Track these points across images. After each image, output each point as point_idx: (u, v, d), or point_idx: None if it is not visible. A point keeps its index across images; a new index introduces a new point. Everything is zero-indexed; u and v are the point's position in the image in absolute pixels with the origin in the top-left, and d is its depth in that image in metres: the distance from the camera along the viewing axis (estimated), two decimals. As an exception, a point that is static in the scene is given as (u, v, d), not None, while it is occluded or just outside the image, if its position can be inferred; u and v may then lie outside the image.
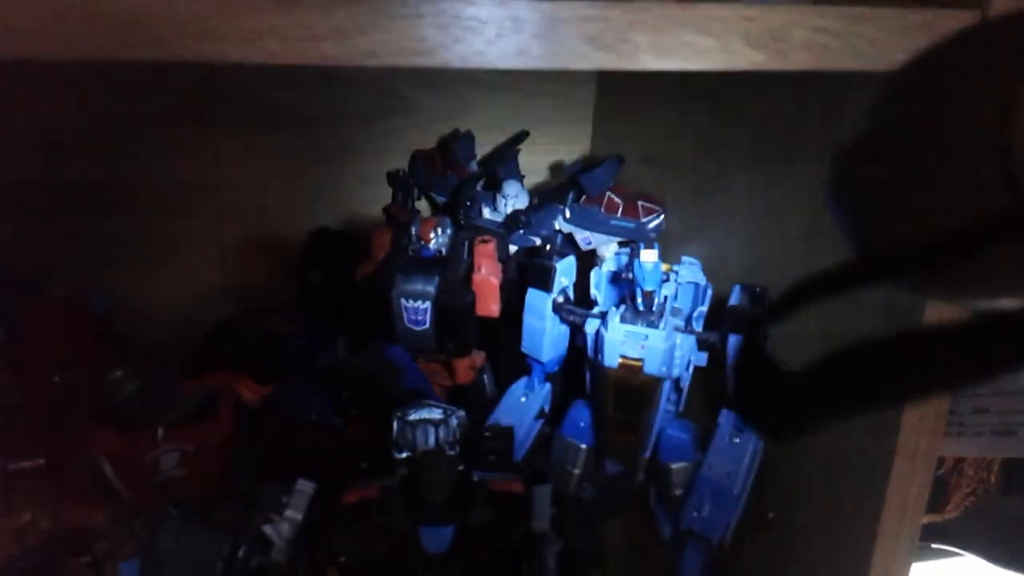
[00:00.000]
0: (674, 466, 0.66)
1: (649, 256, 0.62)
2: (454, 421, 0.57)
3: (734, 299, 0.63)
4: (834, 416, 0.24)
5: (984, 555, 1.13)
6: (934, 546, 1.18)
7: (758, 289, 0.62)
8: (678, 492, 0.66)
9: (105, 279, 0.83)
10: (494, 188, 0.90)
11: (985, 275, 0.22)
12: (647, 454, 0.67)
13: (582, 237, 0.86)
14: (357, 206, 0.97)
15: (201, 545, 0.52)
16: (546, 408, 0.71)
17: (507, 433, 0.61)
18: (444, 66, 0.42)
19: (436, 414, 0.57)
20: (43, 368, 0.54)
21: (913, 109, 0.25)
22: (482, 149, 0.97)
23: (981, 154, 0.22)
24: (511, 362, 0.74)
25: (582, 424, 0.68)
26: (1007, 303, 0.22)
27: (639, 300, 0.62)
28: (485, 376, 0.75)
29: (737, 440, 0.64)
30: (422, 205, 0.96)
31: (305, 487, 0.56)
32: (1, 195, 0.84)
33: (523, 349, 0.69)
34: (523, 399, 0.70)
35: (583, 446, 0.68)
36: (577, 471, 0.68)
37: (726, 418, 0.65)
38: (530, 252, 0.75)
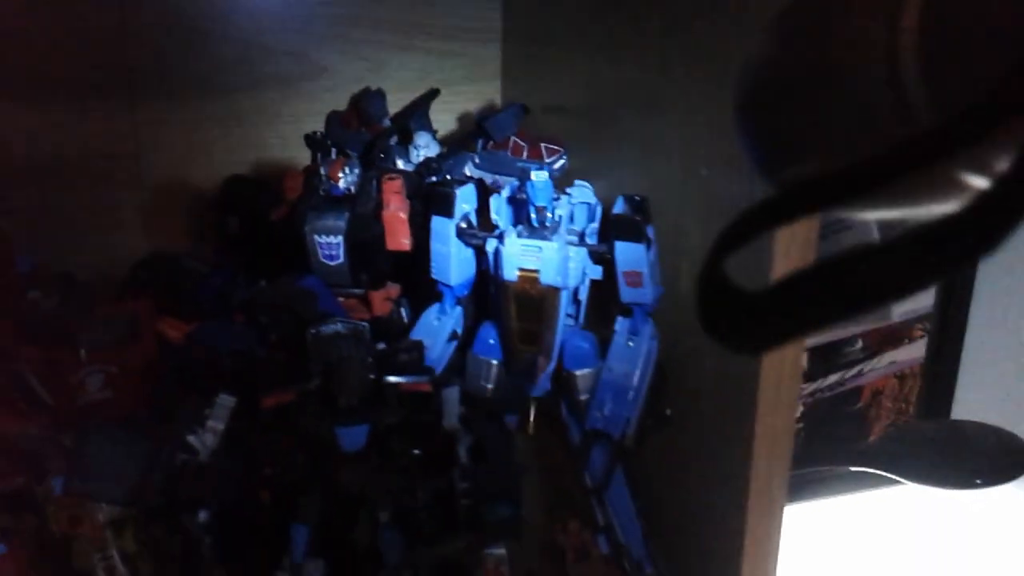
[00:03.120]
0: (578, 373, 0.71)
1: (539, 176, 0.67)
2: (365, 334, 0.62)
3: (617, 208, 0.68)
4: (794, 333, 0.25)
5: (902, 474, 1.20)
6: (854, 469, 1.26)
7: (637, 198, 0.67)
8: (583, 397, 0.71)
9: (28, 249, 0.86)
10: (407, 141, 0.95)
11: (900, 194, 0.23)
12: (552, 365, 0.71)
13: (491, 181, 0.91)
14: (278, 171, 1.00)
15: (127, 452, 0.55)
16: (458, 330, 0.75)
17: (417, 345, 0.65)
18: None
19: (347, 328, 0.62)
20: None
21: (804, 42, 0.25)
22: (396, 109, 1.01)
23: (873, 82, 0.23)
24: (427, 294, 0.79)
25: (491, 341, 0.72)
26: (933, 212, 0.23)
27: (533, 217, 0.67)
28: (402, 308, 0.79)
29: (631, 343, 0.69)
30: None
31: (226, 400, 0.60)
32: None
33: (433, 275, 0.73)
34: (436, 322, 0.74)
35: (494, 361, 0.72)
36: (490, 386, 0.72)
37: (621, 324, 0.70)
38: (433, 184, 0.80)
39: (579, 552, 0.73)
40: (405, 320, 0.79)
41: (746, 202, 0.57)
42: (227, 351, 0.67)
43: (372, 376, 0.61)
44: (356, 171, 0.76)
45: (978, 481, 1.15)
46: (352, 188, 0.76)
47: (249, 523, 0.63)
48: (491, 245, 0.69)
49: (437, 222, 0.71)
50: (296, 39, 0.99)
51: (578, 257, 0.68)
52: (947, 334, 1.36)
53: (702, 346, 0.68)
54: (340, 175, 0.75)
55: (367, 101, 0.97)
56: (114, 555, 0.59)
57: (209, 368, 0.65)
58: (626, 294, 0.68)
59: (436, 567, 0.62)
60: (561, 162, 0.85)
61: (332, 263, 0.74)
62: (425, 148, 0.92)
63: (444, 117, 1.06)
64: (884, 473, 1.16)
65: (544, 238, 0.67)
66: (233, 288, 0.72)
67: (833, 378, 1.33)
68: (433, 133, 0.96)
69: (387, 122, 0.98)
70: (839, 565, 1.32)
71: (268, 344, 0.68)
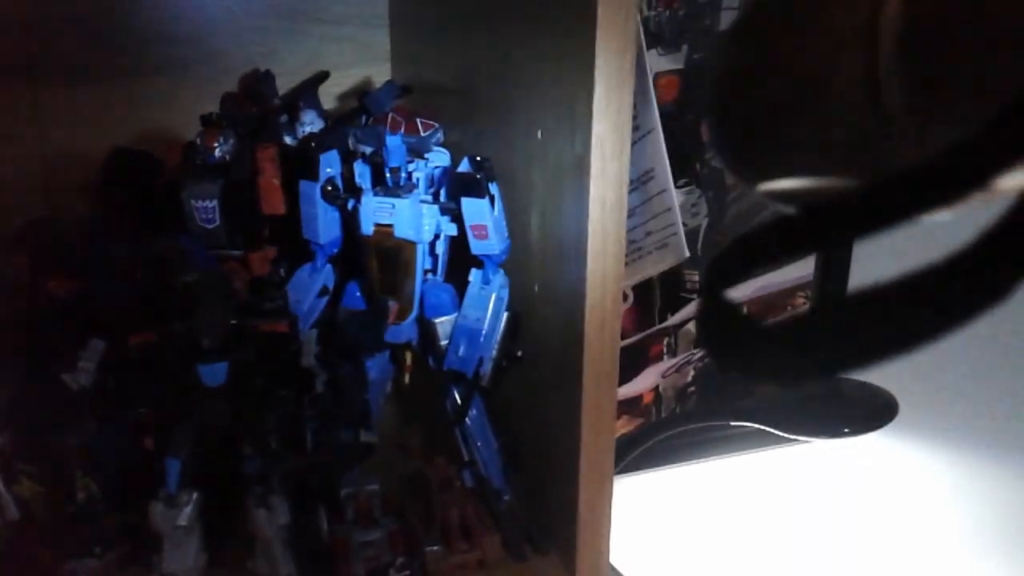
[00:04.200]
0: (437, 321, 0.78)
1: (393, 140, 0.74)
2: (226, 282, 0.68)
3: (462, 167, 0.75)
4: (818, 372, 0.26)
5: (779, 428, 1.29)
6: (734, 424, 1.34)
7: (479, 158, 0.74)
8: (443, 343, 0.78)
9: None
10: (295, 119, 1.01)
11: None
12: (415, 314, 0.78)
13: (364, 151, 0.97)
14: (176, 153, 1.06)
15: (2, 384, 0.61)
16: (328, 286, 0.81)
17: (283, 293, 0.72)
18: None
19: (208, 277, 0.68)
20: None
21: (775, 45, 0.25)
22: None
23: (849, 85, 0.22)
24: (305, 254, 0.85)
25: (358, 295, 0.79)
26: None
27: (388, 178, 0.74)
28: (280, 269, 0.85)
29: (483, 291, 0.76)
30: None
31: (97, 343, 0.66)
32: None
33: (304, 235, 0.80)
34: (307, 279, 0.80)
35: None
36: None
37: (475, 275, 0.77)
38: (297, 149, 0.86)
39: (444, 483, 0.79)
40: (283, 279, 0.85)
41: (572, 159, 0.65)
42: (107, 305, 0.72)
43: (233, 321, 0.67)
44: (231, 141, 0.82)
45: (846, 430, 1.24)
46: (227, 156, 0.81)
47: (127, 458, 0.68)
48: (352, 204, 0.75)
49: (304, 185, 0.78)
50: (191, 27, 1.04)
51: (431, 214, 0.75)
52: (827, 300, 1.45)
53: (543, 291, 0.75)
54: (215, 144, 0.81)
55: (258, 82, 1.02)
56: (-1, 484, 0.65)
57: (89, 319, 0.71)
58: (475, 247, 0.75)
59: (299, 490, 0.68)
60: (437, 135, 0.91)
61: (209, 226, 0.80)
62: (310, 125, 0.98)
63: (336, 98, 1.12)
64: (761, 427, 1.24)
65: (397, 196, 0.73)
66: (113, 248, 0.77)
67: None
68: (321, 111, 1.02)
69: (276, 102, 1.04)
70: (723, 522, 1.41)
71: (143, 297, 0.73)
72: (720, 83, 0.27)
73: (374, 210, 0.73)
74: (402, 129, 0.94)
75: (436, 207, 0.75)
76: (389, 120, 0.96)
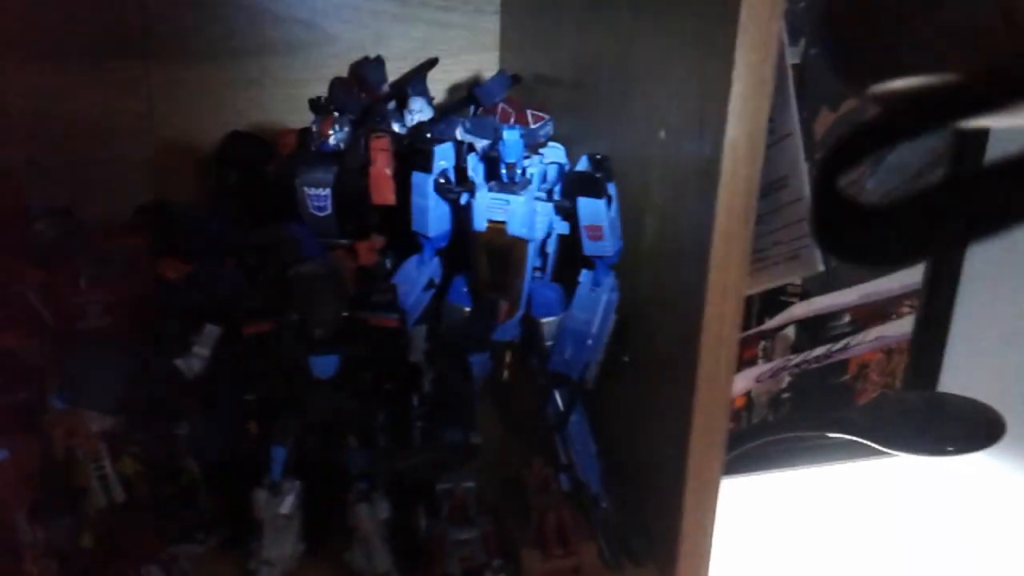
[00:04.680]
0: (543, 320, 0.76)
1: (510, 135, 0.72)
2: (340, 274, 0.68)
3: (580, 166, 0.73)
4: (922, 250, 0.26)
5: (877, 441, 1.24)
6: (831, 435, 1.30)
7: (599, 156, 0.72)
8: (548, 343, 0.76)
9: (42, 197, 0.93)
10: (403, 107, 1.00)
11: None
12: (520, 313, 0.77)
13: (480, 146, 0.96)
14: (286, 137, 1.06)
15: (118, 370, 0.61)
16: (435, 279, 0.80)
17: (391, 287, 0.71)
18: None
19: (323, 268, 0.67)
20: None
21: None
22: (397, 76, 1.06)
23: None
24: (412, 246, 0.84)
25: (464, 290, 0.78)
26: None
27: (504, 173, 0.72)
28: (387, 260, 0.84)
29: (592, 293, 0.74)
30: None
31: (212, 329, 0.66)
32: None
33: (413, 227, 0.79)
34: (414, 271, 0.80)
35: (466, 308, 0.78)
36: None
37: (585, 276, 0.76)
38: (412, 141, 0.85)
39: (541, 486, 0.78)
40: (390, 269, 0.84)
41: (699, 162, 0.63)
42: (219, 290, 0.73)
43: (345, 313, 0.67)
44: (345, 129, 0.82)
45: (950, 449, 1.19)
46: (341, 145, 0.81)
47: (233, 445, 0.69)
48: (465, 198, 0.74)
49: (417, 177, 0.77)
50: (305, 8, 1.04)
51: (544, 212, 0.73)
52: (935, 310, 1.39)
53: (657, 297, 0.73)
54: (330, 132, 0.81)
55: (367, 68, 1.02)
56: (107, 465, 0.66)
57: (202, 304, 0.71)
58: (588, 247, 0.73)
59: (399, 486, 0.68)
60: (547, 128, 0.90)
61: (320, 214, 0.80)
62: (419, 113, 0.98)
63: (444, 86, 1.11)
64: (858, 439, 1.20)
65: (512, 192, 0.72)
66: (226, 233, 0.78)
67: (820, 350, 1.37)
68: (429, 99, 1.01)
69: (386, 88, 1.03)
70: (816, 533, 1.37)
71: (255, 284, 0.74)
72: None
73: (487, 206, 0.72)
74: (512, 120, 0.93)
75: (550, 205, 0.74)
76: (499, 111, 0.95)
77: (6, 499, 0.62)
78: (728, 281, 0.66)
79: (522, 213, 0.71)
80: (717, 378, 0.68)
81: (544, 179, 0.76)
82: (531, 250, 0.74)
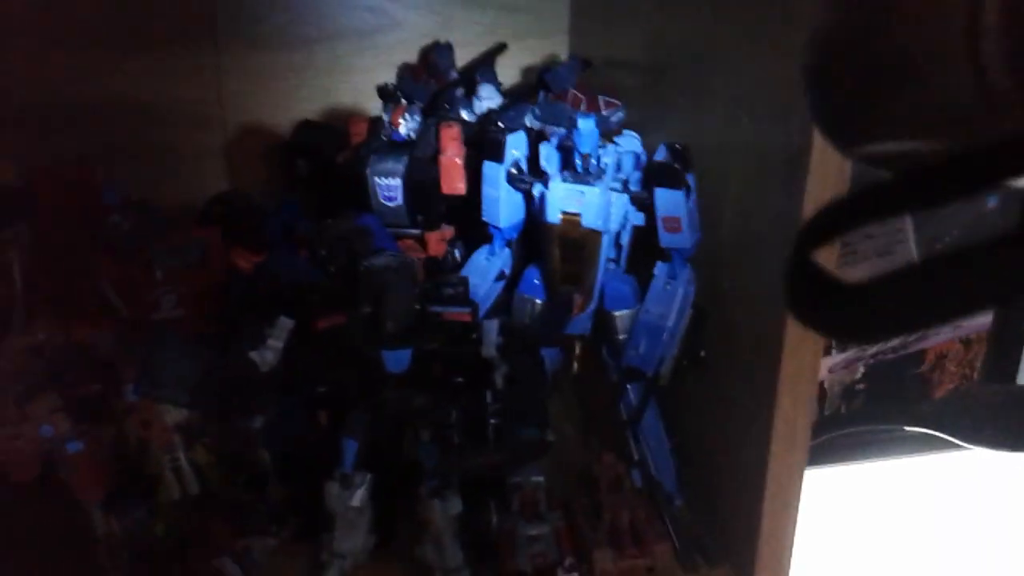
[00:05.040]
0: (616, 313, 0.74)
1: (585, 124, 0.70)
2: (413, 267, 0.67)
3: (659, 155, 0.70)
4: (901, 327, 0.24)
5: (957, 436, 1.20)
6: (908, 429, 1.26)
7: (678, 146, 0.70)
8: (621, 337, 0.75)
9: (116, 184, 0.94)
10: (472, 93, 0.99)
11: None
12: (593, 306, 0.75)
13: (554, 134, 0.94)
14: (356, 125, 1.05)
15: (193, 362, 0.61)
16: (506, 271, 0.79)
17: (463, 280, 0.70)
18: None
19: (396, 261, 0.66)
20: (53, 224, 0.64)
21: (874, 11, 0.24)
22: (465, 62, 1.05)
23: (954, 54, 0.21)
24: (480, 236, 0.83)
25: (536, 282, 0.76)
26: None
27: (578, 163, 0.71)
28: (456, 250, 0.83)
29: (668, 287, 0.72)
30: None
31: (285, 322, 0.66)
32: (20, 115, 0.94)
33: (484, 217, 0.77)
34: (484, 262, 0.78)
35: (538, 300, 0.76)
36: (527, 318, 0.76)
37: (660, 268, 0.73)
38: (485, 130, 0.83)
39: (613, 483, 0.77)
40: (458, 260, 0.83)
41: (784, 151, 0.60)
42: (289, 281, 0.72)
43: (417, 306, 0.66)
44: (416, 118, 0.81)
45: None
46: (412, 134, 0.80)
47: (305, 437, 0.69)
48: (538, 189, 0.73)
49: (488, 167, 0.75)
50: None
51: (620, 203, 0.71)
52: (910, 265, 1.34)
53: (736, 291, 0.71)
54: (401, 121, 0.80)
55: (436, 54, 1.01)
56: (181, 457, 0.66)
57: (273, 295, 0.71)
58: (665, 239, 0.71)
59: (470, 482, 0.67)
60: (619, 115, 0.87)
61: (391, 204, 0.79)
62: (488, 100, 0.96)
63: (512, 71, 1.09)
64: (937, 433, 1.16)
65: (587, 183, 0.70)
66: (297, 224, 0.77)
67: (896, 340, 1.33)
68: (498, 86, 1.00)
69: (454, 74, 1.02)
70: (888, 527, 1.33)
71: (326, 275, 0.73)
72: (820, 45, 0.27)
73: (562, 197, 0.70)
74: (583, 107, 0.91)
75: (626, 196, 0.72)
76: (570, 97, 0.93)
77: (81, 490, 0.63)
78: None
79: (597, 204, 0.69)
80: (801, 374, 0.66)
81: (619, 169, 0.74)
82: (605, 242, 0.72)
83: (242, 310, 0.67)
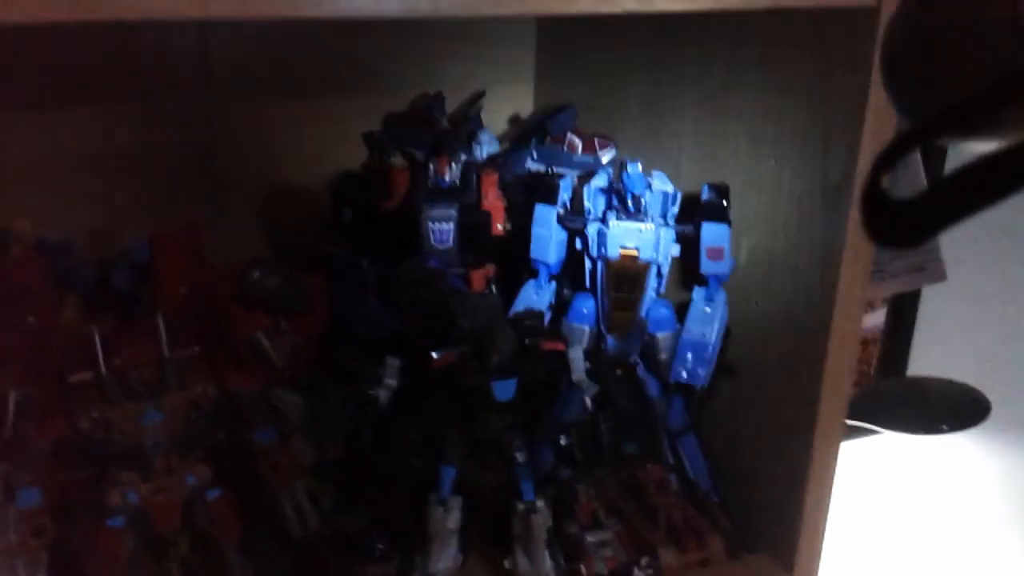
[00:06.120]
0: (660, 335, 0.83)
1: (634, 167, 0.79)
2: (500, 303, 0.73)
3: (704, 195, 0.80)
4: (941, 225, 0.29)
5: (883, 425, 1.36)
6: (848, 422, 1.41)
7: (721, 186, 0.80)
8: (663, 356, 0.84)
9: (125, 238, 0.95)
10: (467, 140, 1.06)
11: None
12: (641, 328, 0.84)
13: (600, 178, 1.02)
14: (345, 163, 1.09)
15: (320, 407, 0.66)
16: (552, 302, 0.87)
17: (539, 313, 0.77)
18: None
19: (487, 299, 0.73)
20: (173, 280, 0.66)
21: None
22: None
23: (1001, 27, 0.26)
24: (515, 270, 0.90)
25: (585, 311, 0.84)
26: None
27: (629, 203, 0.80)
28: (492, 284, 0.90)
29: (708, 309, 0.82)
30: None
31: (394, 361, 0.71)
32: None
33: (532, 255, 0.85)
34: (534, 296, 0.86)
35: (587, 328, 0.84)
36: (583, 348, 0.84)
37: (698, 293, 0.83)
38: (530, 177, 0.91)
39: (660, 486, 0.85)
40: (494, 294, 0.90)
41: (821, 185, 0.71)
42: (366, 322, 0.77)
43: (513, 335, 0.72)
44: (458, 166, 0.87)
45: (944, 427, 1.32)
46: (456, 181, 0.86)
47: (406, 466, 0.74)
48: (593, 228, 0.81)
49: (541, 209, 0.83)
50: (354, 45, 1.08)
51: (667, 237, 0.81)
52: (904, 300, 1.53)
53: (771, 310, 0.81)
54: (446, 170, 0.86)
55: (431, 103, 1.07)
56: (300, 494, 0.69)
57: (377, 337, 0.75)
58: (706, 266, 0.81)
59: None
60: (612, 154, 0.98)
61: (442, 246, 0.85)
62: (488, 144, 1.04)
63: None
64: (866, 425, 1.32)
65: (642, 221, 0.79)
66: (358, 268, 0.82)
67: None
68: (487, 131, 1.07)
69: (445, 122, 1.09)
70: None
71: (402, 315, 0.78)
72: (891, 21, 0.32)
73: (620, 235, 0.79)
74: (579, 149, 1.01)
75: (672, 230, 0.81)
76: (567, 140, 1.02)
77: (220, 534, 0.65)
78: (852, 293, 0.75)
79: (652, 240, 0.79)
80: (840, 380, 0.77)
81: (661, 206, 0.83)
82: (653, 272, 0.81)
83: (353, 353, 0.71)
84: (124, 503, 0.62)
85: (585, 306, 0.85)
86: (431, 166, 0.86)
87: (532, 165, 1.04)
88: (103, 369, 0.60)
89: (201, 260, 0.72)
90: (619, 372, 0.79)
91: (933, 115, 0.29)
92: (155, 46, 0.99)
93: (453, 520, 0.75)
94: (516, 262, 0.88)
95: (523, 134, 1.05)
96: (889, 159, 0.30)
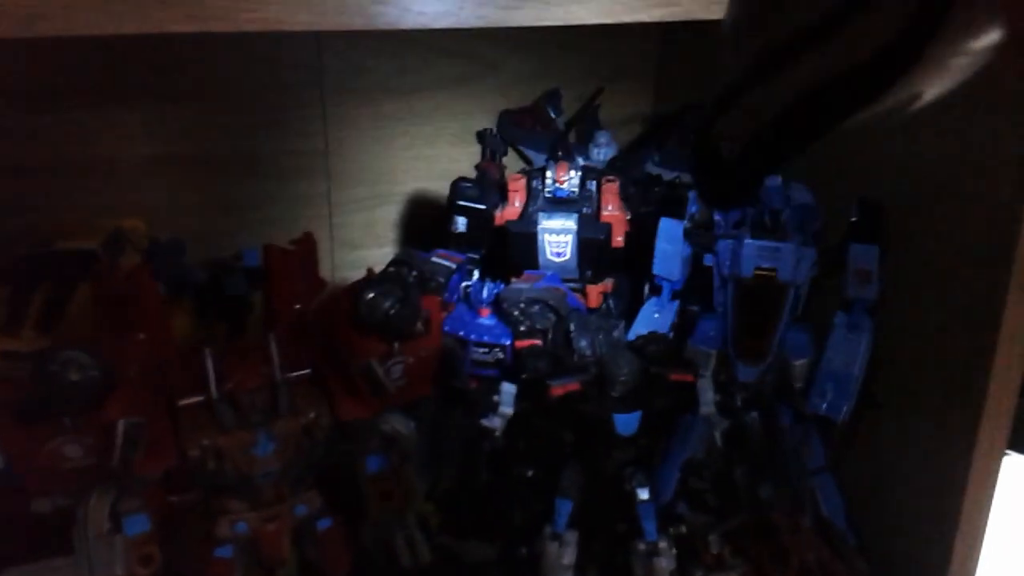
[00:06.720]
0: (796, 362, 0.76)
1: (774, 181, 0.72)
2: (618, 328, 0.68)
3: (854, 213, 0.73)
4: (755, 179, 0.35)
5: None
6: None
7: (871, 202, 0.72)
8: (798, 385, 0.77)
9: (236, 239, 0.93)
10: (583, 140, 1.01)
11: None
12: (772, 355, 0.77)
13: (669, 177, 0.96)
14: (448, 163, 1.06)
15: (430, 435, 0.62)
16: (675, 321, 0.81)
17: (664, 338, 0.71)
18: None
19: (604, 322, 0.68)
20: (287, 299, 0.64)
21: None
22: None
23: None
24: (633, 286, 0.84)
25: (711, 334, 0.78)
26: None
27: (767, 218, 0.73)
28: (610, 300, 0.85)
29: (851, 336, 0.75)
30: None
31: (509, 387, 0.66)
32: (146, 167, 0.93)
33: (655, 271, 0.79)
34: (656, 315, 0.80)
35: (712, 352, 0.78)
36: (707, 374, 0.78)
37: (840, 318, 0.76)
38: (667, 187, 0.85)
39: (791, 526, 0.79)
40: (612, 310, 0.85)
41: (988, 202, 0.63)
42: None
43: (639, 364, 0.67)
44: (577, 174, 0.82)
45: None
46: (575, 191, 0.81)
47: (521, 498, 0.69)
48: (725, 244, 0.74)
49: (667, 223, 0.77)
50: (467, 36, 1.04)
51: (808, 256, 0.74)
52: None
53: (928, 337, 0.73)
54: (565, 178, 0.81)
55: (547, 99, 1.02)
56: (412, 524, 0.65)
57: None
58: (852, 290, 0.73)
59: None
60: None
61: (559, 259, 0.80)
62: (606, 146, 0.98)
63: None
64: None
65: (780, 239, 0.72)
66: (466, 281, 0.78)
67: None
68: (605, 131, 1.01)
69: (562, 120, 1.03)
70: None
71: (516, 334, 0.74)
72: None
73: (756, 254, 0.72)
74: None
75: (812, 250, 0.74)
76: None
77: (330, 565, 0.62)
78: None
79: (792, 259, 0.72)
80: (1001, 416, 0.69)
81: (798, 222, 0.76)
82: (791, 294, 0.75)
83: (466, 377, 0.67)
84: (233, 533, 0.60)
85: (711, 328, 0.78)
86: (549, 173, 0.81)
87: (653, 169, 0.98)
88: (215, 393, 0.57)
89: (314, 274, 0.69)
90: (752, 405, 0.72)
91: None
92: (269, 49, 0.96)
93: (568, 556, 0.70)
94: (634, 277, 0.83)
95: (645, 135, 0.99)
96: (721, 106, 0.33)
